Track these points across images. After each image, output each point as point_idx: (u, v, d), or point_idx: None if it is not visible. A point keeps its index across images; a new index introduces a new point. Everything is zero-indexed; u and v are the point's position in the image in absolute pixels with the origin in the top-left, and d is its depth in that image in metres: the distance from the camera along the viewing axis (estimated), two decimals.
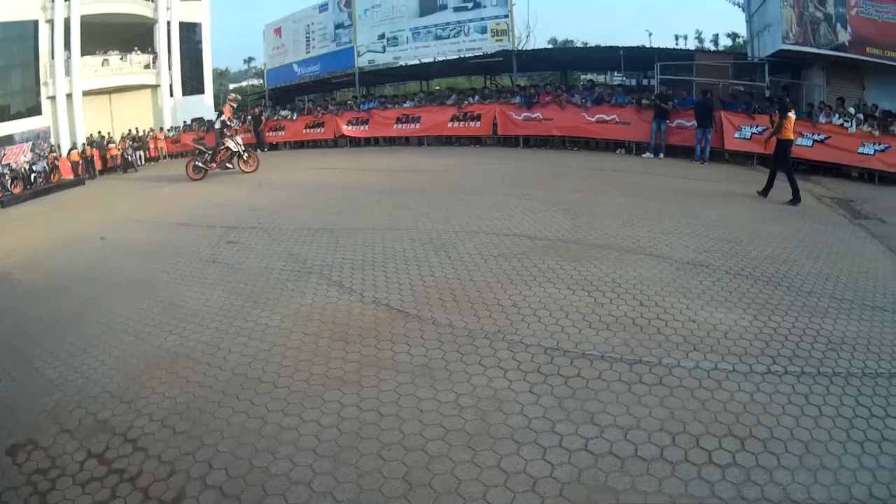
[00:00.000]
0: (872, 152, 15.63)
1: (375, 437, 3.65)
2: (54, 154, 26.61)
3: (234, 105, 20.27)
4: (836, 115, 16.61)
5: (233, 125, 19.36)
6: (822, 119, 16.83)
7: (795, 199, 11.60)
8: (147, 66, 33.05)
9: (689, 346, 4.63)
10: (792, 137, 12.68)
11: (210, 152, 18.51)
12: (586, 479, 3.20)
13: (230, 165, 18.46)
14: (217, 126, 19.62)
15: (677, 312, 5.29)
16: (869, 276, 6.89)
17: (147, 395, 4.36)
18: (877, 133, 15.67)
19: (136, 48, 32.91)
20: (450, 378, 4.22)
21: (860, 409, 3.88)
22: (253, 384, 4.35)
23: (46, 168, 25.38)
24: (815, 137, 16.39)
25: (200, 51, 37.10)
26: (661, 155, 17.97)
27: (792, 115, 12.63)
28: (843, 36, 18.81)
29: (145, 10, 32.94)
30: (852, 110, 16.59)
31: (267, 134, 27.11)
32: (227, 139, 18.47)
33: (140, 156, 28.09)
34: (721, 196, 11.58)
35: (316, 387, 4.23)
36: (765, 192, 12.14)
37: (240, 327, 5.46)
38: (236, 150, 18.33)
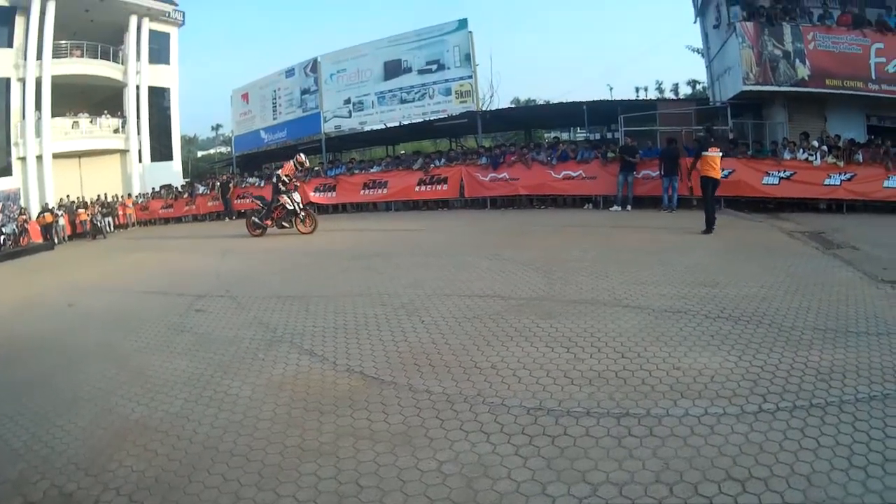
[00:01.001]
0: (839, 182, 15.99)
1: None
2: (24, 216, 26.63)
3: (300, 166, 19.09)
4: (801, 150, 16.93)
5: (292, 181, 18.56)
6: (786, 155, 17.17)
7: (709, 229, 12.70)
8: (116, 131, 33.93)
9: (677, 393, 4.54)
10: (713, 175, 13.42)
11: (266, 208, 18.26)
12: None
13: (286, 224, 18.01)
14: (273, 181, 18.90)
15: (660, 361, 5.21)
16: (849, 303, 6.94)
17: (114, 468, 4.14)
18: (841, 164, 16.05)
19: (105, 112, 33.85)
20: (431, 445, 4.05)
21: (858, 435, 3.81)
22: (224, 457, 4.14)
23: (16, 230, 25.38)
24: (781, 175, 16.79)
25: (169, 116, 38.19)
26: (629, 207, 18.27)
27: (710, 153, 13.38)
28: (803, 71, 19.38)
29: (115, 73, 33.93)
30: (816, 143, 16.93)
31: (235, 201, 27.32)
32: (282, 196, 17.77)
33: (109, 222, 28.20)
34: (692, 242, 11.73)
35: (291, 459, 4.04)
36: (707, 230, 12.73)
37: (210, 398, 5.27)
38: (291, 208, 17.65)
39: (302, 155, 19.08)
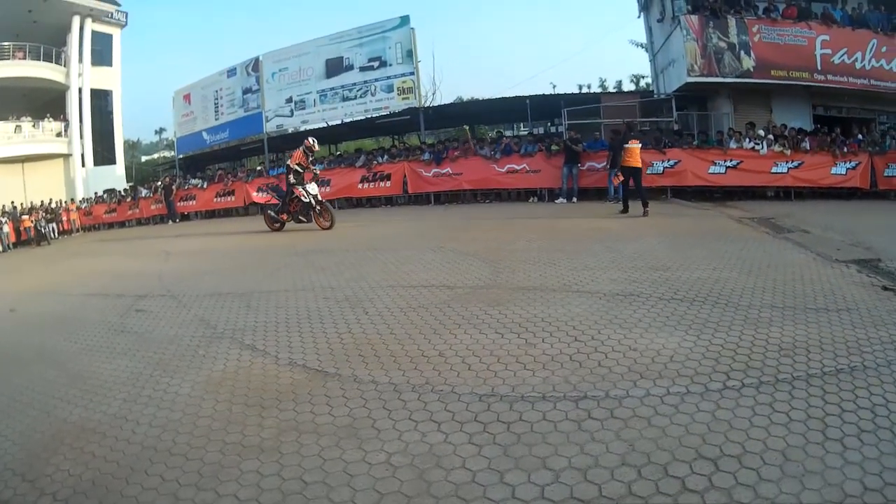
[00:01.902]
0: (786, 170, 16.23)
1: None
2: None
3: (310, 152, 16.79)
4: (747, 140, 17.09)
5: (308, 170, 16.56)
6: (732, 145, 17.29)
7: (625, 209, 14.27)
8: (59, 134, 33.69)
9: (636, 374, 4.34)
10: (635, 164, 14.50)
11: (282, 201, 16.85)
12: None
13: (304, 219, 16.35)
14: (285, 172, 17.20)
15: (616, 343, 5.02)
16: (805, 282, 6.90)
17: (51, 473, 3.84)
18: (788, 152, 16.21)
19: (48, 115, 33.36)
20: (378, 437, 3.79)
21: (829, 407, 3.70)
22: (163, 457, 3.85)
23: None
24: (728, 164, 17.01)
25: (112, 120, 37.93)
26: (575, 199, 18.25)
27: (631, 145, 14.56)
28: (748, 63, 19.69)
29: (58, 76, 33.67)
30: (762, 132, 17.12)
31: (178, 204, 27.08)
32: (296, 188, 16.02)
33: (53, 228, 27.86)
34: (639, 229, 11.64)
35: (231, 457, 3.75)
36: (631, 207, 14.18)
37: (148, 397, 4.94)
38: (307, 200, 15.92)
39: (311, 139, 17.03)
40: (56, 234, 27.95)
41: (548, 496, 3.02)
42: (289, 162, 16.90)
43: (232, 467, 3.64)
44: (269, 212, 17.50)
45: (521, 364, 4.72)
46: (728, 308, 5.89)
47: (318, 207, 16.03)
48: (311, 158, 17.01)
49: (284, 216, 16.79)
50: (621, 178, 14.78)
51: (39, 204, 29.10)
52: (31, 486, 3.74)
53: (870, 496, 2.86)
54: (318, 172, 18.53)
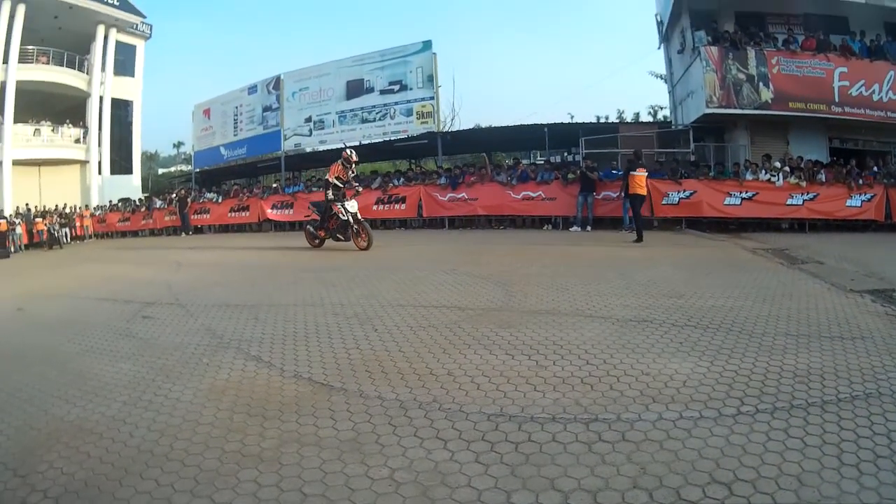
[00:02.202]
0: (801, 202, 16.13)
1: None
2: None
3: (349, 164, 15.69)
4: (763, 171, 17.01)
5: (349, 185, 15.82)
6: (748, 176, 17.22)
7: (639, 238, 14.36)
8: (78, 141, 33.80)
9: (648, 398, 4.26)
10: (640, 192, 15.22)
11: (321, 217, 15.90)
12: None
13: (341, 237, 15.22)
14: (323, 187, 16.44)
15: (628, 367, 4.94)
16: (819, 311, 6.83)
17: (44, 470, 3.78)
18: (804, 184, 16.11)
19: (68, 121, 33.62)
20: (382, 452, 3.70)
21: (845, 434, 3.62)
22: (159, 461, 3.78)
23: None
24: (743, 196, 16.91)
25: (131, 130, 38.26)
26: (589, 227, 18.18)
27: (638, 172, 15.23)
28: (766, 94, 19.60)
29: (80, 83, 33.84)
30: (778, 164, 17.05)
31: (192, 216, 27.04)
32: (334, 204, 15.04)
33: (66, 233, 27.83)
34: (653, 258, 11.57)
35: (229, 465, 3.67)
36: (638, 238, 14.47)
37: (149, 401, 4.89)
38: (345, 218, 14.82)
39: (349, 149, 16.09)
40: (69, 240, 28.08)
41: None
42: (327, 176, 16.12)
43: (229, 475, 3.56)
44: (308, 227, 16.72)
45: (532, 385, 4.64)
46: (742, 335, 5.80)
47: (356, 226, 14.89)
48: (351, 173, 15.92)
49: (322, 233, 15.92)
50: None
51: (54, 208, 29.34)
52: (22, 482, 3.69)
53: None
54: (361, 190, 17.64)
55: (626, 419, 3.93)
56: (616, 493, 3.08)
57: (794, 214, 16.52)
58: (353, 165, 16.13)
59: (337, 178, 15.42)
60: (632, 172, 15.25)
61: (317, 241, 16.19)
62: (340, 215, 14.91)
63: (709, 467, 3.27)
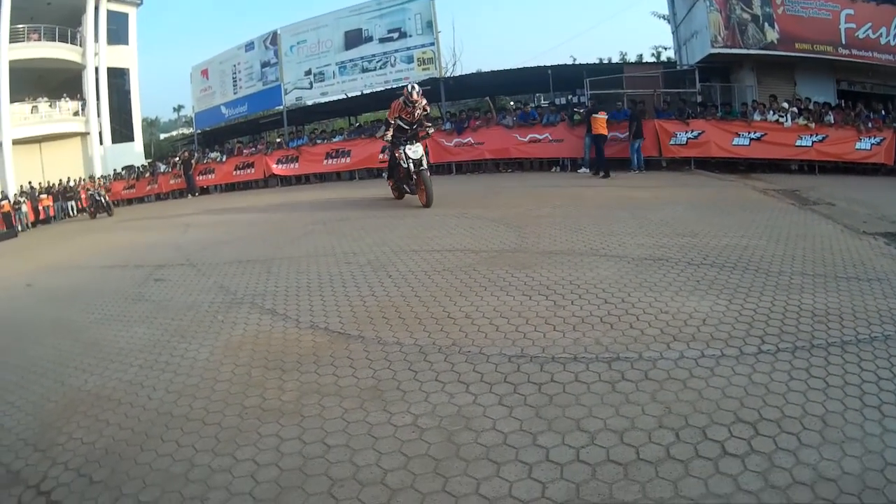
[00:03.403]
0: (810, 144, 15.89)
1: (323, 472, 3.06)
2: None
3: (411, 103, 12.42)
4: (771, 112, 16.75)
5: (420, 125, 12.69)
6: (756, 117, 16.93)
7: (606, 174, 16.18)
8: (76, 113, 33.05)
9: (669, 336, 4.22)
10: (602, 132, 17.06)
11: (388, 165, 13.83)
12: (588, 495, 2.67)
13: (407, 189, 12.84)
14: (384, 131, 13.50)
15: (647, 306, 4.89)
16: (834, 251, 6.77)
17: (63, 442, 3.77)
18: (812, 125, 15.85)
19: (64, 95, 32.92)
20: (404, 399, 3.68)
21: (866, 374, 3.59)
22: (179, 423, 3.76)
23: None
24: (752, 136, 16.61)
25: (129, 98, 37.34)
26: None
27: (599, 115, 17.28)
28: (772, 35, 19.20)
29: (73, 56, 33.00)
30: (786, 105, 16.77)
31: (197, 178, 26.69)
32: (397, 150, 12.33)
33: (71, 206, 27.74)
34: (665, 198, 11.43)
35: (250, 421, 3.66)
36: (597, 172, 16.69)
37: (165, 363, 4.87)
38: (405, 166, 12.12)
39: (411, 84, 12.80)
40: (75, 212, 27.91)
41: (583, 459, 2.90)
42: (387, 115, 13.32)
43: (250, 431, 3.55)
44: (384, 174, 14.89)
45: (551, 325, 4.60)
46: (759, 274, 5.75)
47: (416, 177, 12.18)
48: (421, 111, 12.53)
49: (391, 182, 13.64)
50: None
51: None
52: (42, 456, 3.68)
53: None
54: (432, 132, 13.91)
55: (648, 358, 3.90)
56: (642, 432, 3.05)
57: (804, 156, 16.25)
58: (419, 103, 12.48)
59: (399, 118, 12.43)
60: (593, 115, 17.42)
61: (397, 193, 13.54)
62: (402, 162, 12.06)
63: (733, 406, 3.25)
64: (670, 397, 3.38)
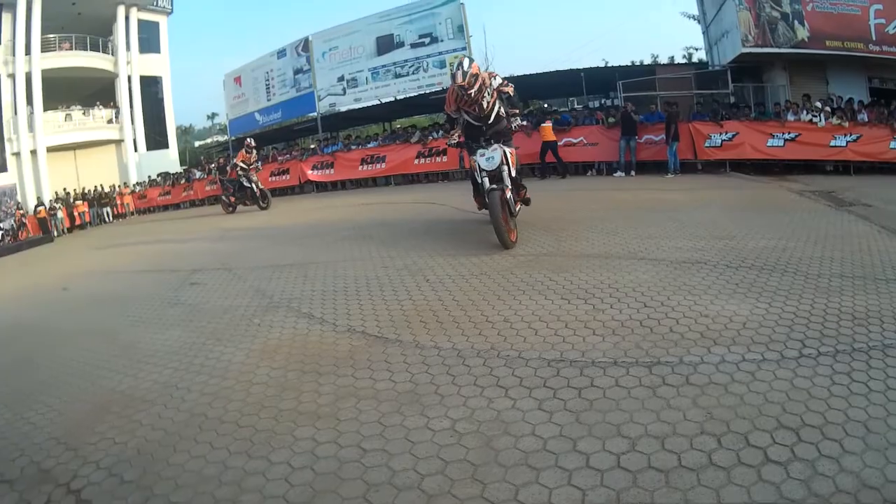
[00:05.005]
0: (845, 143, 15.55)
1: (359, 476, 3.02)
2: (21, 211, 26.49)
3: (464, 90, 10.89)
4: (804, 112, 16.46)
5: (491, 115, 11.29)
6: (790, 117, 16.64)
7: (563, 176, 18.10)
8: (110, 121, 33.55)
9: (709, 340, 4.13)
10: (549, 138, 18.36)
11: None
12: (628, 502, 2.61)
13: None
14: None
15: (686, 309, 4.80)
16: (872, 253, 6.58)
17: (95, 441, 3.77)
18: (846, 124, 15.53)
19: (98, 103, 33.35)
20: (442, 403, 3.64)
21: None
22: (213, 424, 3.76)
23: (14, 226, 25.33)
24: (786, 137, 16.32)
25: (162, 105, 37.79)
26: (633, 172, 17.70)
27: (545, 123, 18.71)
28: (802, 33, 18.86)
29: (106, 64, 33.49)
30: (819, 104, 16.45)
31: None
32: (472, 157, 8.68)
33: (107, 212, 28.16)
34: (701, 200, 11.26)
35: (285, 424, 3.63)
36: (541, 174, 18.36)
37: (200, 365, 4.89)
38: (480, 181, 10.49)
39: (459, 60, 8.49)
40: (111, 219, 28.39)
41: (624, 465, 2.84)
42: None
43: (286, 434, 3.52)
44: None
45: (590, 329, 4.53)
46: (797, 276, 5.62)
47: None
48: (488, 97, 8.31)
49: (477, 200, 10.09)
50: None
51: (92, 189, 29.65)
52: (73, 455, 3.68)
53: None
54: (521, 123, 9.46)
55: (688, 362, 3.82)
56: (684, 438, 2.98)
57: (838, 156, 15.84)
58: (483, 84, 8.39)
59: (462, 112, 8.66)
60: (542, 124, 18.72)
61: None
62: (476, 175, 8.49)
63: (775, 412, 3.16)
64: (712, 402, 3.30)
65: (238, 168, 18.98)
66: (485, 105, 8.15)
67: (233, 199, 19.68)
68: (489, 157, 8.00)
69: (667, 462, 2.82)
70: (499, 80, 8.31)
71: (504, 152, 7.99)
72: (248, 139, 20.26)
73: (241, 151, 19.68)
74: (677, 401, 3.35)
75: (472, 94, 7.93)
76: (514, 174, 8.15)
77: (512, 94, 8.46)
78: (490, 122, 8.25)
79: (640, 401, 3.38)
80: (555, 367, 3.93)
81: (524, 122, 9.45)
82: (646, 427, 3.11)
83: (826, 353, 3.84)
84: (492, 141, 8.16)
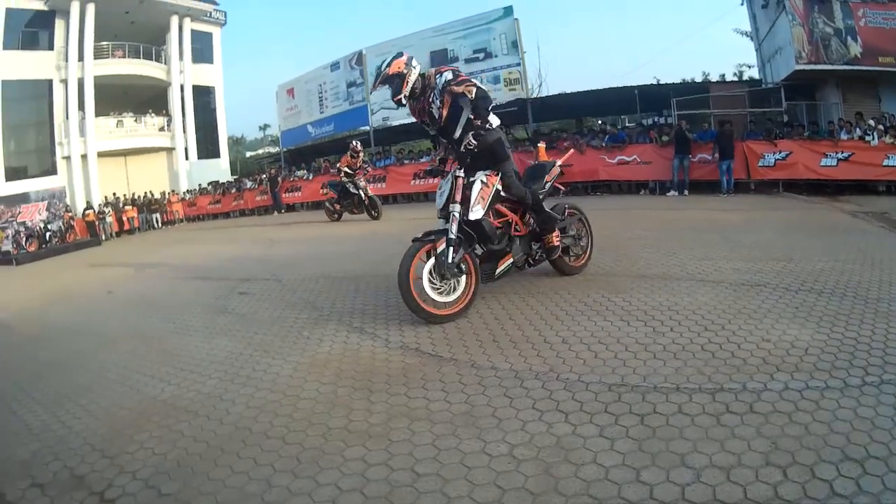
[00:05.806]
0: None
1: (412, 502, 2.91)
2: (70, 214, 27.30)
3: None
4: (857, 130, 16.10)
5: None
6: (843, 136, 16.29)
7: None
8: (161, 129, 34.33)
9: (771, 367, 4.03)
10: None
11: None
12: None
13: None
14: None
15: (747, 334, 4.69)
16: None
17: (133, 450, 3.74)
18: None
19: (150, 111, 34.19)
20: (500, 426, 3.55)
21: None
22: (258, 439, 3.69)
23: (62, 227, 26.21)
24: (839, 156, 15.91)
25: (215, 115, 38.59)
26: (686, 191, 17.51)
27: (541, 144, 19.22)
28: (855, 49, 18.55)
29: (159, 73, 34.31)
30: (872, 123, 16.08)
31: (283, 195, 27.11)
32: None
33: (157, 218, 28.99)
34: (755, 221, 11.09)
35: (334, 443, 3.54)
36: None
37: (247, 377, 4.85)
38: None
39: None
40: (159, 225, 29.15)
41: (689, 498, 2.75)
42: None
43: (334, 454, 3.42)
44: None
45: (651, 353, 4.45)
46: (857, 301, 5.46)
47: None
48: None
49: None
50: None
51: (143, 195, 30.52)
52: (109, 463, 3.65)
53: None
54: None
55: (752, 389, 3.72)
56: (749, 470, 2.89)
57: (891, 176, 15.36)
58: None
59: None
60: (538, 144, 19.44)
61: None
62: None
63: (840, 442, 3.06)
64: (776, 431, 3.21)
65: (342, 173, 17.68)
66: (434, 113, 6.30)
67: (338, 206, 18.30)
68: (443, 191, 6.40)
69: (732, 494, 2.74)
70: (448, 76, 6.10)
71: (482, 184, 6.13)
72: (354, 142, 18.99)
73: (345, 156, 18.61)
74: (741, 430, 3.26)
75: (403, 102, 6.18)
76: (480, 216, 6.07)
77: (471, 96, 6.01)
78: (456, 136, 6.31)
79: (704, 429, 3.30)
80: (616, 391, 3.86)
81: (476, 140, 6.05)
82: (710, 457, 3.03)
83: (889, 381, 3.72)
84: (473, 166, 6.27)
